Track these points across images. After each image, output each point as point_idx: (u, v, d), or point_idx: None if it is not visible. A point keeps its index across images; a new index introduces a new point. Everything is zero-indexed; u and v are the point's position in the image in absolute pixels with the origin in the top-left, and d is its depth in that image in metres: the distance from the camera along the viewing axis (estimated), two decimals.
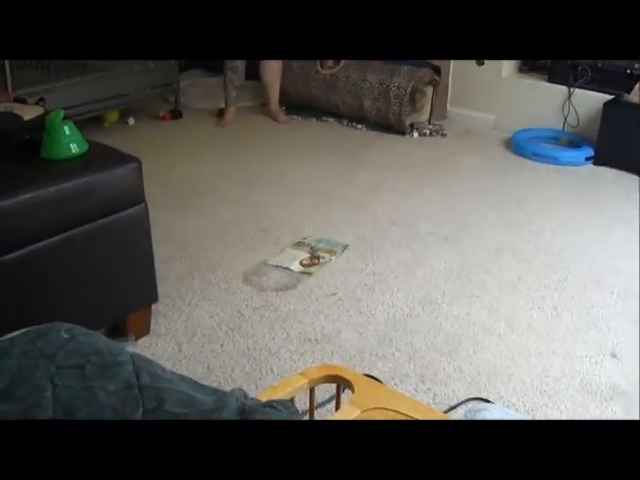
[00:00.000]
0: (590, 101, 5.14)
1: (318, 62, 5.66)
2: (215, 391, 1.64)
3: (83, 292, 2.60)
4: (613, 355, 2.89)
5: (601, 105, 4.98)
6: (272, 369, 2.71)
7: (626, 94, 5.06)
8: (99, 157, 2.63)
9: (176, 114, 5.55)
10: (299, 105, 5.80)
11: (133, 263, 2.76)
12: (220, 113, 5.58)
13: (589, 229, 4.00)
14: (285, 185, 4.42)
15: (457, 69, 5.63)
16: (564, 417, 2.52)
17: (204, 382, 1.70)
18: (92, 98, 4.87)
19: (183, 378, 1.67)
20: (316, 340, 2.90)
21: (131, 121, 5.37)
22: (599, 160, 4.96)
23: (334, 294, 3.23)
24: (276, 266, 3.43)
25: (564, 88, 5.24)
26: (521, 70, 5.65)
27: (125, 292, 2.77)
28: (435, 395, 2.61)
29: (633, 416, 2.54)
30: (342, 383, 1.95)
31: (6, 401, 1.46)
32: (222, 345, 2.86)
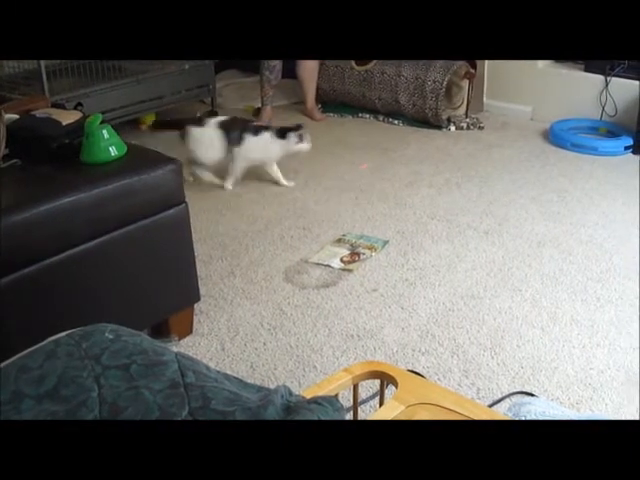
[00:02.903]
0: (628, 89, 5.08)
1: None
2: (260, 389, 1.65)
3: (125, 294, 2.62)
4: None
5: (639, 93, 4.92)
6: (315, 366, 2.72)
7: None
8: (138, 159, 2.65)
9: (213, 115, 5.56)
10: (335, 102, 5.80)
11: (175, 263, 2.77)
12: (256, 113, 5.59)
13: (631, 219, 3.95)
14: (323, 182, 4.42)
15: (492, 61, 5.59)
16: (609, 410, 2.49)
17: (248, 380, 1.70)
18: (129, 101, 4.91)
19: (227, 376, 1.68)
20: (358, 336, 2.90)
21: None
22: (639, 149, 4.90)
23: (375, 290, 3.23)
24: (317, 263, 3.44)
25: (601, 77, 5.19)
26: (557, 60, 5.60)
27: (167, 292, 2.78)
28: (479, 390, 2.60)
29: None
30: (385, 379, 1.94)
31: (53, 402, 1.47)
32: (264, 343, 2.87)
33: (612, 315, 3.05)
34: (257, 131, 4.32)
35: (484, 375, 2.68)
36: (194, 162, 4.29)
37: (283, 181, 4.43)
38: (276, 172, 4.42)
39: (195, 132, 4.26)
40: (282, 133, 4.31)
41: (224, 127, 4.27)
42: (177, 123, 4.48)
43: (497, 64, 5.55)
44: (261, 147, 4.31)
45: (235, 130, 4.27)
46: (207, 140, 4.26)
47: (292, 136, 4.30)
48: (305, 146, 4.36)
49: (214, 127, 4.26)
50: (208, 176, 4.35)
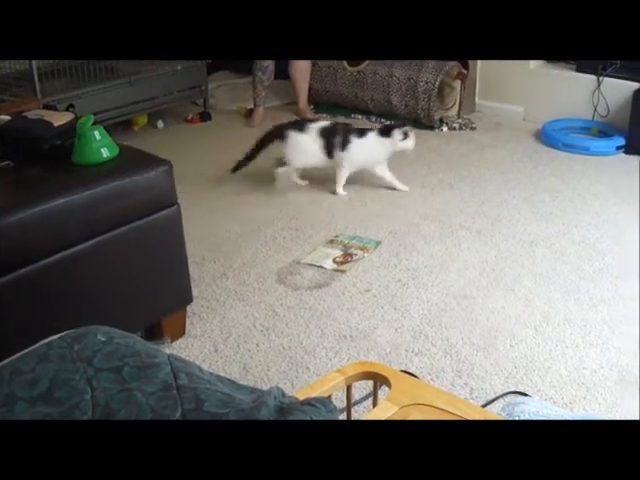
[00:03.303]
0: (620, 90, 5.08)
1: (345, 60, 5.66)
2: (253, 390, 1.64)
3: (118, 296, 2.62)
4: None
5: (631, 93, 4.93)
6: (308, 367, 2.71)
7: None
8: (130, 161, 2.64)
9: (205, 116, 5.57)
10: (327, 103, 5.80)
11: (167, 265, 2.77)
12: (249, 114, 5.59)
13: (623, 219, 3.96)
14: (314, 183, 4.41)
15: (484, 62, 5.59)
16: (603, 410, 2.50)
17: (241, 382, 1.70)
18: (121, 102, 4.90)
19: (220, 378, 1.68)
20: (351, 337, 2.90)
21: (160, 124, 5.40)
22: (631, 149, 4.91)
23: (368, 291, 3.23)
24: (309, 264, 3.44)
25: (593, 77, 5.20)
26: (549, 61, 5.61)
27: (159, 294, 2.78)
28: (472, 390, 2.60)
29: None
30: (379, 380, 1.94)
31: (46, 404, 1.47)
32: (257, 345, 2.87)
33: (605, 315, 3.05)
34: (361, 133, 4.28)
35: (477, 375, 2.68)
36: (284, 164, 4.25)
37: (398, 184, 4.36)
38: (389, 176, 4.35)
39: (295, 137, 4.22)
40: (386, 131, 4.27)
41: (325, 134, 4.22)
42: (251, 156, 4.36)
43: (489, 64, 5.55)
44: (367, 149, 4.26)
45: (337, 135, 4.23)
46: (306, 146, 4.21)
47: (397, 133, 4.23)
48: (410, 143, 4.29)
49: (315, 134, 4.21)
50: (294, 178, 4.34)
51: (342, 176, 4.30)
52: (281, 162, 4.26)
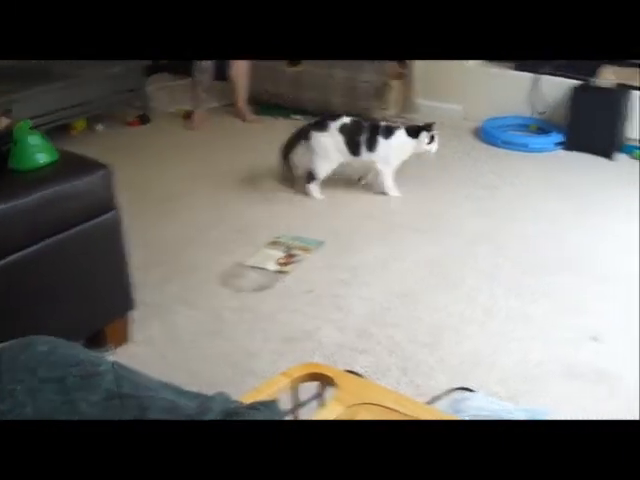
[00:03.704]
0: (558, 87, 5.16)
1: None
2: (198, 396, 1.63)
3: (59, 303, 2.57)
4: (594, 338, 2.90)
5: (569, 90, 5.00)
6: (253, 370, 2.69)
7: (594, 78, 5.08)
8: (69, 166, 2.60)
9: (144, 119, 5.52)
10: (267, 104, 5.79)
11: (108, 271, 2.74)
12: (188, 116, 5.55)
13: (563, 214, 4.02)
14: (256, 185, 4.40)
15: (423, 62, 5.62)
16: (548, 403, 2.52)
17: (186, 388, 1.68)
18: (59, 106, 4.82)
19: (165, 385, 1.66)
20: (296, 339, 2.89)
21: (99, 128, 5.34)
22: (569, 145, 4.98)
23: (311, 291, 3.22)
24: (252, 267, 3.42)
25: (531, 75, 5.26)
26: (487, 59, 5.66)
27: (101, 301, 2.74)
28: (418, 387, 2.61)
29: (619, 399, 2.56)
30: (324, 380, 1.94)
31: None
32: (202, 349, 2.85)
33: (547, 308, 3.09)
34: (389, 132, 4.21)
35: (423, 372, 2.69)
36: (313, 178, 4.23)
37: (392, 190, 4.32)
38: (391, 180, 4.30)
39: (317, 137, 4.18)
40: (414, 132, 4.22)
41: (346, 131, 4.16)
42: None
43: (428, 64, 5.58)
44: (397, 149, 4.21)
45: (362, 133, 4.17)
46: (328, 146, 4.18)
47: (424, 135, 4.19)
48: (434, 147, 4.25)
49: (336, 131, 4.15)
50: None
51: (387, 180, 4.26)
52: (310, 176, 4.24)
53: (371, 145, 4.15)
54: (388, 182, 4.25)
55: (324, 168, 4.20)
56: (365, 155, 4.17)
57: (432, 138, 4.20)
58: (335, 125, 4.15)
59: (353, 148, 4.15)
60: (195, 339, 2.91)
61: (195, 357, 2.80)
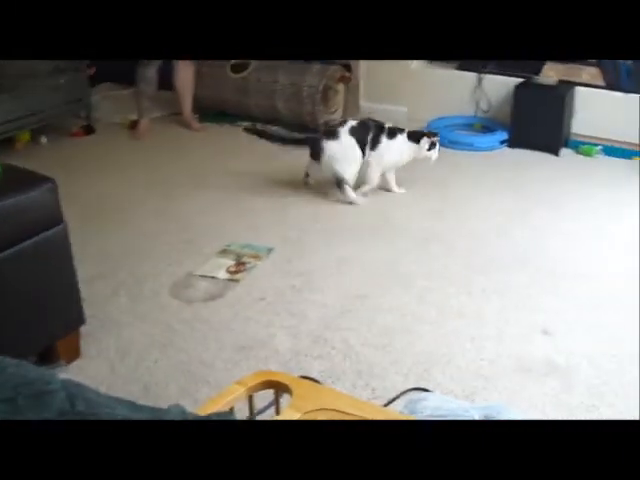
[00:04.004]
0: (501, 85, 5.22)
1: (228, 67, 5.63)
2: (152, 410, 1.61)
3: (8, 319, 2.53)
4: (545, 332, 2.93)
5: (512, 89, 5.06)
6: (208, 381, 2.67)
7: (536, 76, 5.15)
8: (12, 180, 2.56)
9: (89, 130, 5.45)
10: (213, 111, 5.76)
11: (56, 286, 2.70)
12: (133, 125, 5.50)
13: (511, 212, 4.06)
14: (204, 193, 4.37)
15: (367, 64, 5.65)
16: (504, 399, 2.54)
17: (141, 401, 1.66)
18: (2, 119, 4.73)
19: (119, 400, 1.63)
20: (250, 347, 2.87)
21: (44, 140, 5.25)
22: (514, 143, 5.04)
23: (263, 299, 3.20)
24: (202, 276, 3.40)
25: (474, 75, 5.31)
26: (430, 60, 5.70)
27: (52, 316, 2.70)
28: (374, 389, 2.61)
29: (571, 391, 2.58)
30: (279, 388, 1.93)
31: None
32: (156, 362, 2.81)
33: (498, 305, 3.13)
34: (392, 134, 4.24)
35: (378, 375, 2.70)
36: (343, 185, 4.20)
37: (395, 188, 4.37)
38: (392, 178, 4.36)
39: (332, 146, 4.17)
40: (416, 137, 4.25)
41: (355, 132, 4.18)
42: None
43: (372, 67, 5.61)
44: (395, 151, 4.24)
45: (369, 132, 4.20)
46: (347, 151, 4.18)
47: (425, 142, 4.22)
48: (434, 155, 4.29)
49: (349, 136, 4.17)
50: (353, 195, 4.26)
51: (372, 178, 4.29)
52: (340, 182, 4.21)
53: (374, 144, 4.20)
54: (373, 181, 4.30)
55: (350, 170, 4.21)
56: (367, 154, 4.22)
57: (433, 145, 4.25)
58: (345, 129, 4.19)
59: (362, 148, 4.20)
60: (147, 351, 2.88)
61: (148, 370, 2.77)
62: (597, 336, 2.92)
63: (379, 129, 4.24)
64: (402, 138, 4.24)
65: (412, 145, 4.24)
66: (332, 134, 4.20)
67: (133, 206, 4.21)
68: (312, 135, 4.32)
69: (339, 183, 4.19)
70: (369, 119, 4.39)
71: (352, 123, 4.23)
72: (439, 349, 2.84)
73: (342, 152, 4.16)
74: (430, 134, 4.30)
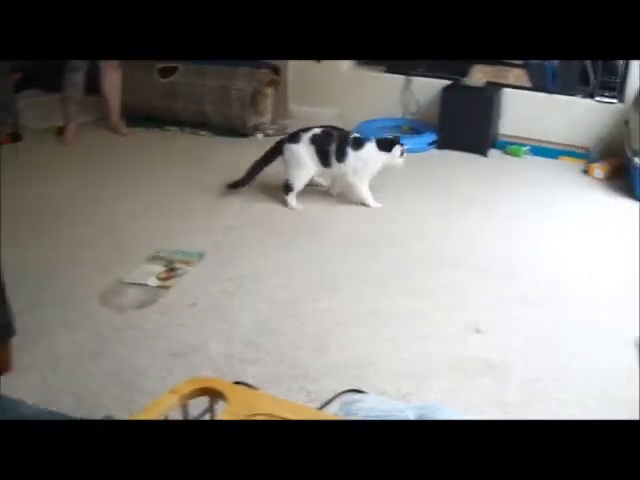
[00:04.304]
0: (429, 87, 5.28)
1: (156, 71, 5.59)
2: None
3: None
4: (478, 330, 2.97)
5: (439, 91, 5.12)
6: (142, 389, 2.64)
7: (463, 78, 5.21)
8: None
9: (15, 137, 5.34)
10: (141, 116, 5.71)
11: None
12: (61, 131, 5.42)
13: (440, 212, 4.11)
14: (134, 199, 4.33)
15: (296, 67, 5.65)
16: (439, 398, 2.56)
17: (75, 412, 1.65)
18: None
19: (52, 413, 1.62)
20: (183, 354, 2.85)
21: None
22: (442, 144, 5.10)
23: (195, 305, 3.18)
24: (133, 283, 3.35)
25: (402, 77, 5.37)
26: (359, 63, 5.73)
27: None
28: (309, 393, 2.61)
29: (505, 388, 2.62)
30: (214, 394, 1.92)
31: None
32: (88, 371, 2.77)
33: (431, 305, 3.16)
34: (358, 144, 4.16)
35: (312, 378, 2.70)
36: (290, 189, 4.17)
37: (371, 201, 4.26)
38: (367, 191, 4.26)
39: (290, 148, 4.14)
40: (387, 145, 4.17)
41: (316, 141, 4.12)
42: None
43: (301, 70, 5.62)
44: (365, 160, 4.16)
45: (332, 142, 4.12)
46: (300, 157, 4.13)
47: (397, 149, 4.18)
48: (401, 161, 4.23)
49: (308, 142, 4.12)
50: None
51: (361, 189, 4.23)
52: (287, 187, 4.19)
53: (340, 156, 4.13)
54: (362, 194, 4.24)
55: (300, 178, 4.18)
56: (335, 166, 4.16)
57: (402, 152, 4.22)
58: (307, 136, 4.14)
59: (323, 159, 4.14)
60: (79, 361, 2.83)
61: (80, 380, 2.73)
62: (529, 333, 2.97)
63: (343, 139, 4.17)
64: (370, 147, 4.18)
65: (383, 154, 4.18)
66: (294, 138, 4.18)
67: (61, 213, 4.14)
68: (282, 137, 4.30)
69: (286, 188, 4.19)
70: (334, 128, 4.32)
71: (315, 131, 4.19)
72: (373, 350, 2.85)
73: (297, 158, 4.15)
74: (397, 140, 4.27)
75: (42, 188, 4.46)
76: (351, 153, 4.14)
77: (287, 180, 4.18)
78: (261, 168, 4.30)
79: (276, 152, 4.25)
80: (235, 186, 4.31)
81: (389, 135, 4.48)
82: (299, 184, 4.19)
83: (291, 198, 4.19)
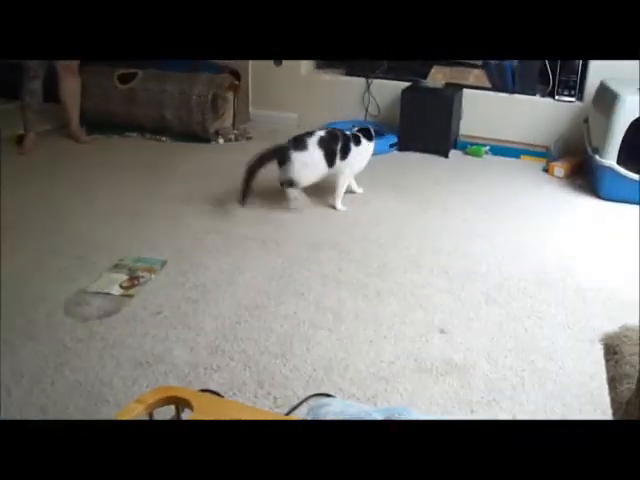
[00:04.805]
0: (389, 90, 5.31)
1: (115, 77, 5.57)
2: None
3: None
4: (441, 331, 2.99)
5: (399, 93, 5.14)
6: (107, 400, 2.62)
7: (423, 79, 5.25)
8: None
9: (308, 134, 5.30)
10: (101, 123, 5.69)
11: None
12: (20, 140, 5.38)
13: (402, 214, 4.13)
14: (95, 207, 4.31)
15: (256, 71, 5.68)
16: (405, 399, 2.57)
17: None
18: None
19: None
20: (148, 363, 2.84)
21: None
22: (403, 146, 5.12)
23: (159, 313, 3.17)
24: (96, 293, 3.33)
25: (362, 80, 5.39)
26: (319, 66, 5.75)
27: None
28: (276, 398, 2.61)
29: (471, 388, 2.64)
30: (180, 403, 1.92)
31: None
32: (52, 383, 2.75)
33: (394, 307, 3.17)
34: (358, 140, 4.27)
35: (279, 383, 2.70)
36: (292, 184, 4.15)
37: (357, 189, 4.46)
38: (352, 181, 4.43)
39: (300, 157, 4.10)
40: (370, 135, 4.35)
41: (324, 143, 4.14)
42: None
43: (261, 74, 5.64)
44: (363, 156, 4.28)
45: (338, 142, 4.18)
46: (312, 162, 4.12)
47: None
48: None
49: (316, 147, 4.12)
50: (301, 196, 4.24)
51: (342, 186, 4.29)
52: (288, 182, 4.17)
53: (344, 154, 4.21)
54: (342, 190, 4.31)
55: (309, 178, 4.20)
56: (338, 164, 4.22)
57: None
58: (313, 140, 4.15)
59: (330, 159, 4.18)
60: (43, 373, 2.81)
61: (45, 392, 2.70)
62: (492, 332, 2.99)
63: (346, 138, 4.26)
64: (365, 142, 4.32)
65: (371, 143, 4.36)
66: (301, 145, 4.15)
67: (21, 223, 4.10)
68: (280, 145, 4.25)
69: (289, 184, 4.19)
70: (335, 129, 4.38)
71: (320, 134, 4.20)
72: (338, 354, 2.86)
73: (309, 165, 4.15)
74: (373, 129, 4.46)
75: (2, 199, 4.41)
76: (354, 149, 4.26)
77: (291, 178, 4.17)
78: (255, 173, 4.26)
79: (271, 158, 4.20)
80: (244, 198, 4.23)
81: (363, 126, 4.56)
82: (306, 182, 4.22)
83: (292, 191, 4.22)
